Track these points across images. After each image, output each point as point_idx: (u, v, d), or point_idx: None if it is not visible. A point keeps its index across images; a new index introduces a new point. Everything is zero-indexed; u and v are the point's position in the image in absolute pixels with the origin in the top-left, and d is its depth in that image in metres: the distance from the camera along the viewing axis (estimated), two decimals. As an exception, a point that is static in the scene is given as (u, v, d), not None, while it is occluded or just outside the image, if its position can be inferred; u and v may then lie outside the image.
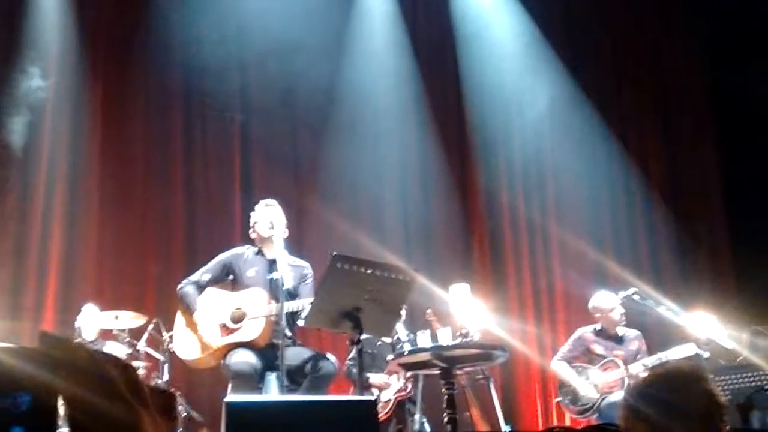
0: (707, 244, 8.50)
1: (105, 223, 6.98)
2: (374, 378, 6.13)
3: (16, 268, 6.60)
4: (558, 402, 6.05)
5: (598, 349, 5.84)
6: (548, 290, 8.14)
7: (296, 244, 5.36)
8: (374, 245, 6.71)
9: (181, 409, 5.68)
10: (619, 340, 5.88)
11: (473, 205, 8.30)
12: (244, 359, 4.27)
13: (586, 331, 5.95)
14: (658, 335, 6.32)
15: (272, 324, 4.38)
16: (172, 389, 5.42)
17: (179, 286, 4.62)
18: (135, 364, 5.56)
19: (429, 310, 6.04)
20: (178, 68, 7.41)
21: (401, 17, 8.26)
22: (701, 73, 8.85)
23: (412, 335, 5.56)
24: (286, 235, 4.59)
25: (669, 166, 8.75)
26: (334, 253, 3.58)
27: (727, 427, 1.82)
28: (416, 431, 5.62)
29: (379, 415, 5.84)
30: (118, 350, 5.75)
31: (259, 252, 4.66)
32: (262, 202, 4.71)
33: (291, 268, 4.46)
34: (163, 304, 6.06)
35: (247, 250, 4.70)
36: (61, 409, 0.67)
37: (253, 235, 4.68)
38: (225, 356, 4.36)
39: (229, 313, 4.48)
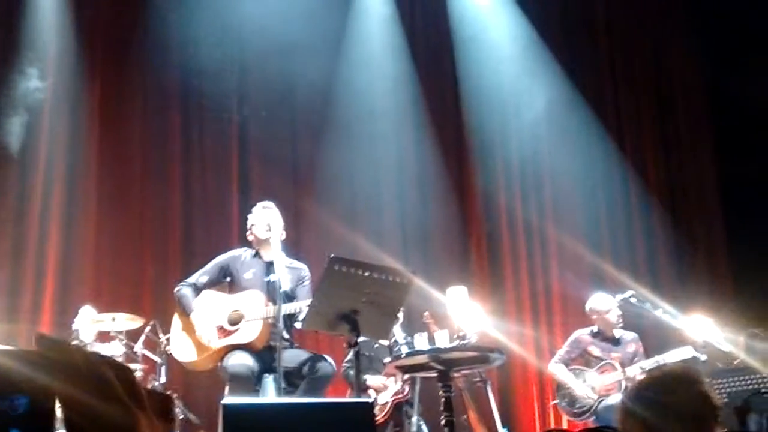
0: (704, 246, 8.50)
1: (102, 225, 6.96)
2: (371, 380, 6.12)
3: (14, 270, 6.57)
4: (555, 404, 6.05)
5: (595, 351, 5.84)
6: (545, 292, 8.14)
7: (293, 246, 5.37)
8: (371, 247, 6.71)
9: (178, 411, 5.67)
10: (616, 342, 5.88)
11: (470, 207, 8.30)
12: (242, 361, 4.27)
13: (583, 333, 5.95)
14: (655, 338, 6.32)
15: (269, 326, 4.38)
16: (170, 391, 5.41)
17: (176, 288, 4.61)
18: (132, 366, 5.55)
19: (426, 313, 6.03)
20: (176, 69, 7.40)
21: (399, 20, 8.25)
22: (699, 74, 8.85)
23: (409, 338, 5.55)
24: (284, 237, 4.59)
25: (666, 168, 8.76)
26: (332, 255, 3.58)
27: (724, 430, 1.83)
28: (413, 433, 5.62)
29: (377, 418, 5.84)
30: (116, 352, 5.74)
31: (257, 254, 4.65)
32: (260, 204, 4.71)
33: (288, 271, 4.47)
34: (160, 306, 6.04)
35: (244, 252, 4.69)
36: (59, 412, 0.67)
37: (250, 237, 4.68)
38: (222, 358, 4.36)
39: (227, 315, 4.47)
